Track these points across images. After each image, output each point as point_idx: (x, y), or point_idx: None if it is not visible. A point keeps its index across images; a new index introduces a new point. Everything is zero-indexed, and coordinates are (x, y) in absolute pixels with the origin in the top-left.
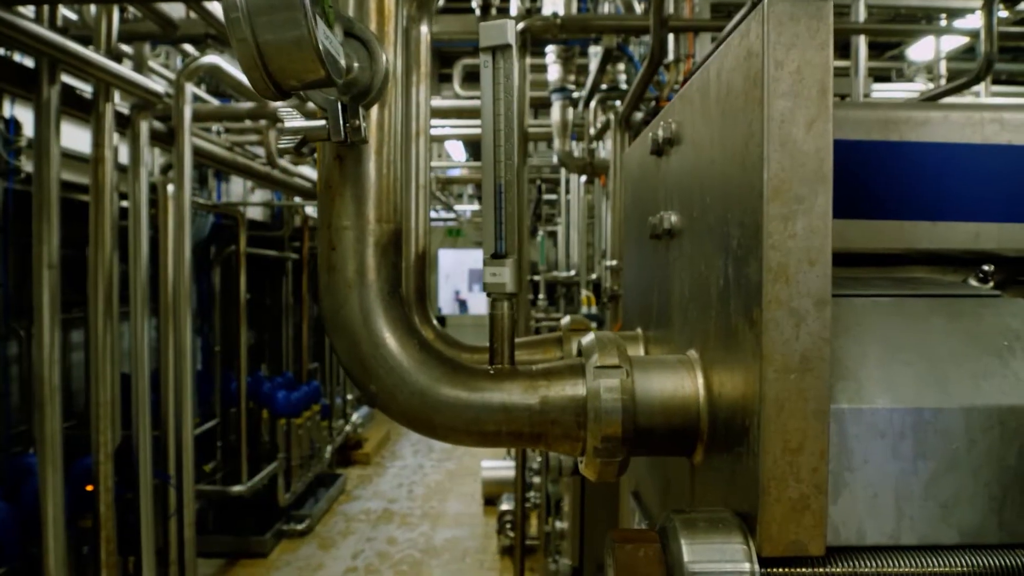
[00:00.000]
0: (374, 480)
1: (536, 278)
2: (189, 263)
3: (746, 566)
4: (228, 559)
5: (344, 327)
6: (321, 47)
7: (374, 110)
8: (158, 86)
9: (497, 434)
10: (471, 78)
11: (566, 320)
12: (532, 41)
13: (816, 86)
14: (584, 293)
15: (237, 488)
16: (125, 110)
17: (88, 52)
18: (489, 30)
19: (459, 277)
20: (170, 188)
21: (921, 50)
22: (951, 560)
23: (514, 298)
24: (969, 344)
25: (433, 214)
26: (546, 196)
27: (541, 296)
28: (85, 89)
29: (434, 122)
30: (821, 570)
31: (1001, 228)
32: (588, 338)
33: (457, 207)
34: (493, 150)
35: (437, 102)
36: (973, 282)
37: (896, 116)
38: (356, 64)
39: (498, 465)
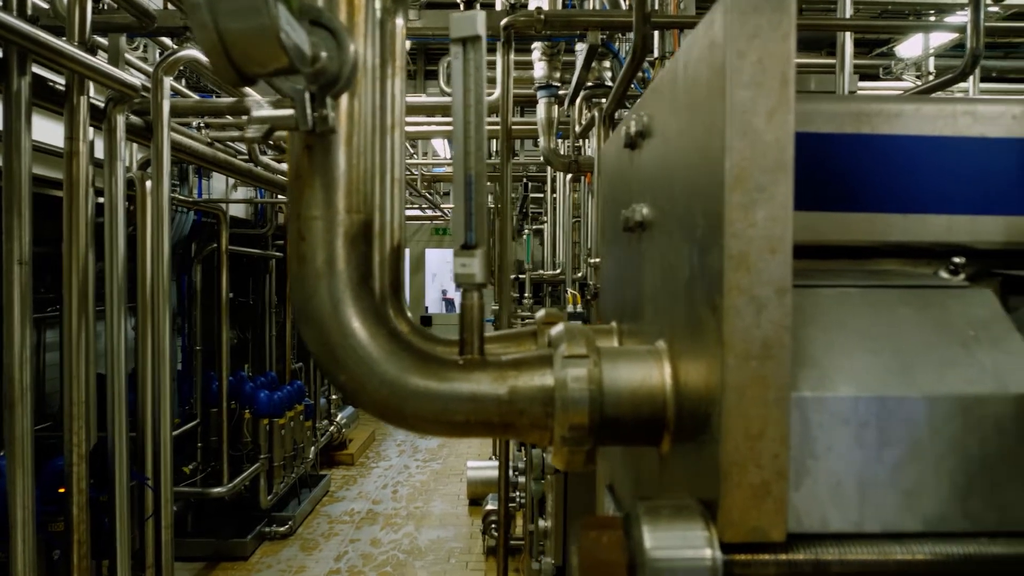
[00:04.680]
0: (358, 481)
1: (522, 276)
2: (168, 261)
3: (707, 552)
4: (207, 562)
5: (314, 317)
6: (284, 35)
7: (344, 100)
8: (135, 79)
9: (466, 424)
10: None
11: (541, 313)
12: (517, 37)
13: (778, 77)
14: (570, 291)
15: (218, 490)
16: (101, 103)
17: (60, 43)
18: (459, 21)
19: (446, 276)
20: (148, 184)
21: (910, 47)
22: (914, 548)
23: (484, 288)
24: (935, 334)
25: (419, 212)
26: (533, 195)
27: (527, 294)
28: (59, 81)
29: (420, 119)
30: (783, 556)
31: (973, 220)
32: (557, 329)
33: (445, 206)
34: (463, 141)
35: (423, 99)
36: (944, 274)
37: (869, 109)
38: (324, 53)
39: (484, 465)
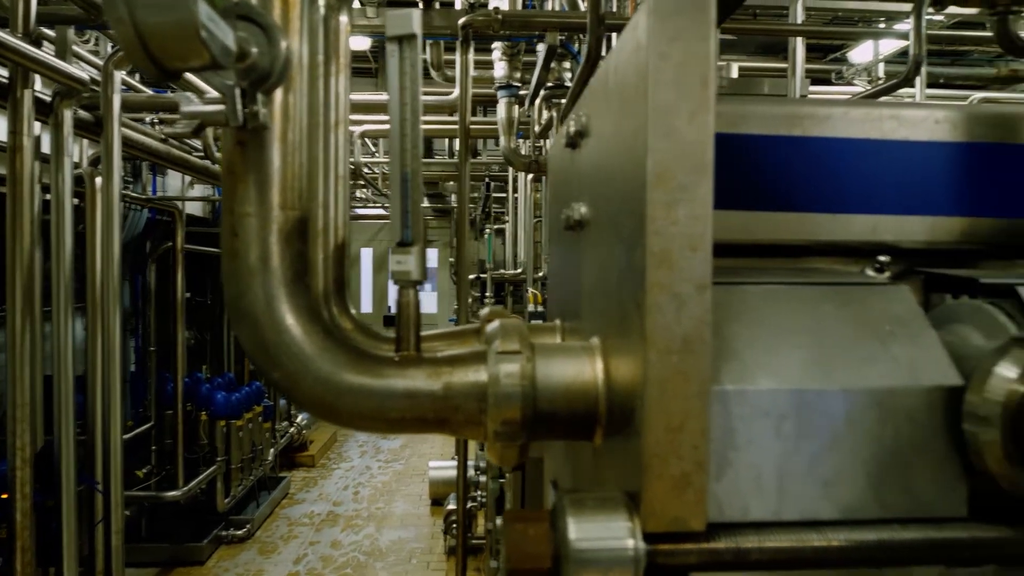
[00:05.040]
0: (319, 483)
1: (483, 276)
2: (119, 260)
3: (629, 542)
4: (162, 568)
5: (247, 314)
6: (205, 30)
7: (279, 96)
8: (83, 73)
9: (401, 420)
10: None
11: (485, 311)
12: (477, 37)
13: (699, 78)
14: (531, 291)
15: (172, 493)
16: (48, 97)
17: (1, 34)
18: (394, 19)
19: None
20: (98, 181)
21: (862, 53)
22: (830, 535)
23: (420, 286)
24: (854, 329)
25: (382, 212)
26: (496, 194)
27: (488, 294)
28: (2, 74)
29: (384, 117)
30: (704, 545)
31: (898, 220)
32: (493, 325)
33: None
34: (399, 140)
35: (386, 97)
36: (870, 272)
37: (800, 111)
38: (255, 49)
39: (446, 464)
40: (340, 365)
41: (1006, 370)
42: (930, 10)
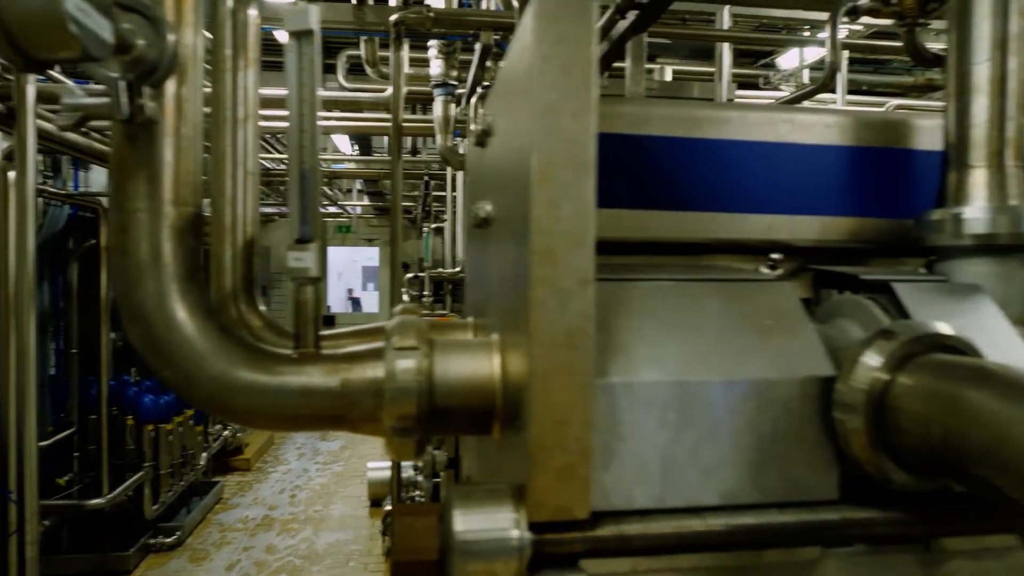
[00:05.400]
0: (254, 487)
1: (422, 275)
2: (34, 258)
3: (514, 532)
4: None
5: (137, 311)
6: (73, 21)
7: (171, 90)
8: None
9: (298, 417)
10: (356, 70)
11: (398, 308)
12: (414, 35)
13: (581, 80)
14: None
15: (96, 501)
16: None
17: None
18: (293, 15)
19: (353, 275)
20: (11, 175)
21: (789, 59)
22: (711, 520)
23: (318, 282)
24: (738, 323)
25: (333, 209)
26: (436, 192)
27: (427, 292)
28: None
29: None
30: (590, 533)
31: (791, 220)
32: (392, 322)
33: (346, 203)
34: (298, 135)
35: (321, 93)
36: (764, 269)
37: (700, 114)
38: (141, 41)
39: (384, 465)
40: (234, 363)
41: (870, 359)
42: (846, 19)
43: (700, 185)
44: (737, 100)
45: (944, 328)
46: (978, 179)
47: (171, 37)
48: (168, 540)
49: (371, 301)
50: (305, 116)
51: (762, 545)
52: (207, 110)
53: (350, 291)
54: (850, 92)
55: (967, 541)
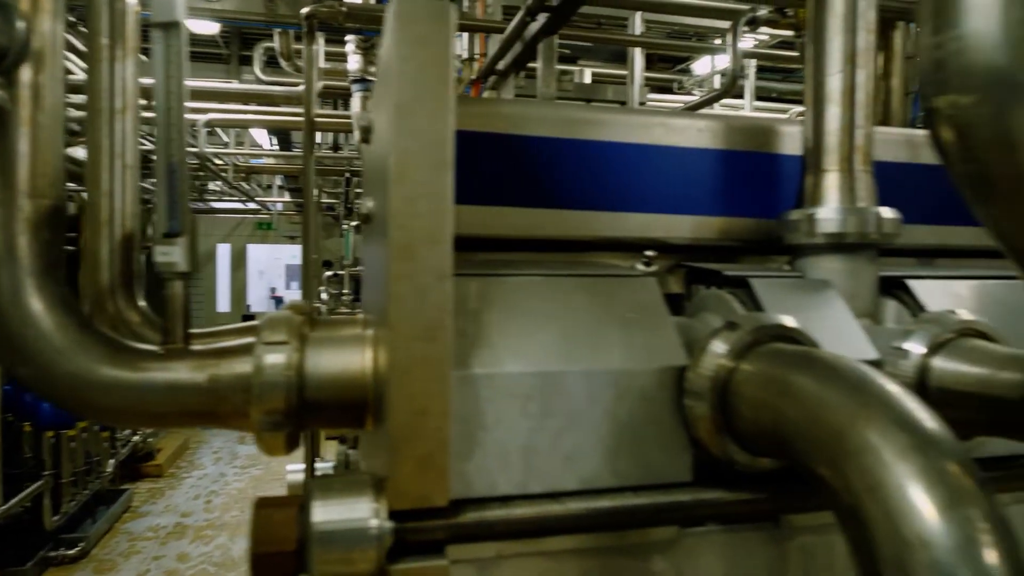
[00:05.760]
0: (167, 493)
1: (341, 272)
2: None
3: (373, 522)
4: None
5: None
6: None
7: (26, 78)
8: None
9: (165, 415)
10: (274, 62)
11: (284, 305)
12: (323, 28)
13: (438, 80)
14: None
15: None
16: None
17: None
18: (159, 6)
19: (275, 274)
20: None
21: (703, 65)
22: (570, 504)
23: (187, 277)
24: (601, 317)
25: (239, 205)
26: (359, 189)
27: (347, 290)
28: None
29: (234, 106)
30: (452, 520)
31: (667, 219)
32: (264, 318)
33: (265, 199)
34: (165, 128)
35: (235, 85)
36: (640, 266)
37: (579, 116)
38: None
39: (304, 467)
40: (95, 359)
41: (716, 348)
42: (747, 28)
43: (581, 184)
44: (649, 103)
45: (785, 320)
46: (831, 182)
47: (20, 24)
48: (71, 552)
49: (293, 298)
50: (172, 109)
51: (619, 527)
52: (80, 100)
53: (273, 290)
54: (761, 99)
55: (812, 517)
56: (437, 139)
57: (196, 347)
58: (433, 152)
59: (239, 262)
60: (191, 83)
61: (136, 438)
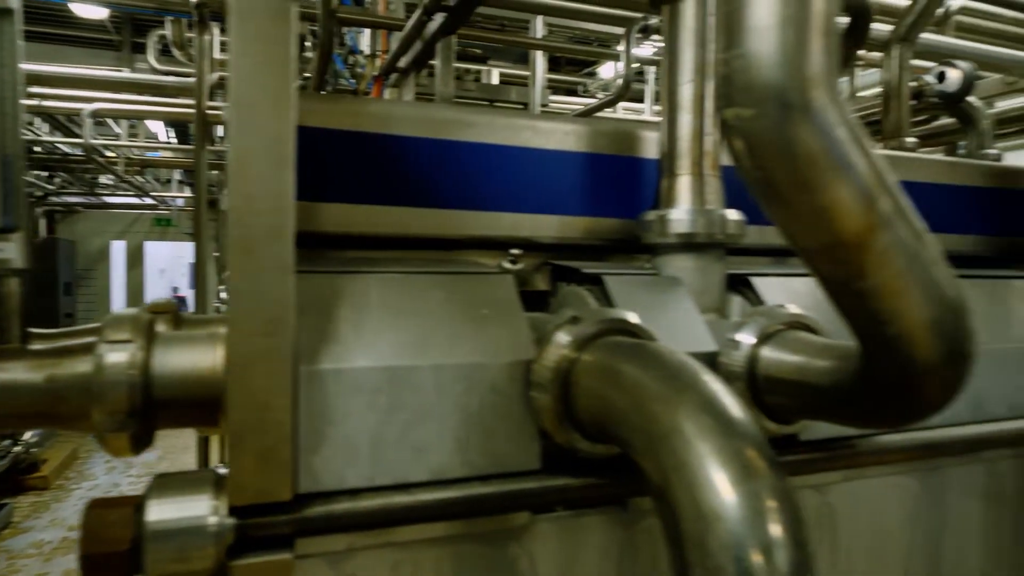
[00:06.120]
0: (52, 507)
1: None
2: None
3: (211, 519)
4: None
5: None
6: None
7: None
8: None
9: (0, 416)
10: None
11: (146, 304)
12: (216, 18)
13: (279, 77)
14: None
15: None
16: None
17: None
18: None
19: (178, 272)
20: None
21: (608, 69)
22: (419, 495)
23: (23, 274)
24: (457, 313)
25: (136, 200)
26: None
27: None
28: None
29: (126, 96)
30: (297, 514)
31: (535, 219)
32: (108, 316)
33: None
34: (0, 119)
35: (127, 74)
36: (506, 264)
37: (447, 117)
38: None
39: None
40: None
41: (559, 340)
42: (640, 35)
43: (450, 184)
44: (551, 106)
45: (625, 315)
46: (683, 185)
47: None
48: None
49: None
50: (7, 99)
51: (468, 515)
52: None
53: (175, 289)
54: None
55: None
56: (277, 136)
57: (35, 347)
58: (273, 149)
59: (136, 260)
60: (74, 70)
61: (18, 448)
